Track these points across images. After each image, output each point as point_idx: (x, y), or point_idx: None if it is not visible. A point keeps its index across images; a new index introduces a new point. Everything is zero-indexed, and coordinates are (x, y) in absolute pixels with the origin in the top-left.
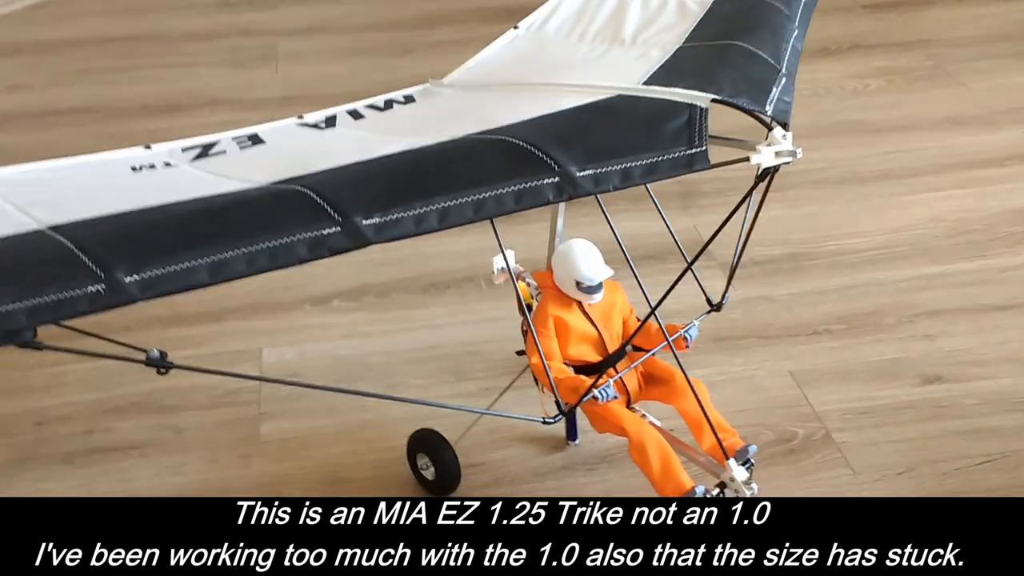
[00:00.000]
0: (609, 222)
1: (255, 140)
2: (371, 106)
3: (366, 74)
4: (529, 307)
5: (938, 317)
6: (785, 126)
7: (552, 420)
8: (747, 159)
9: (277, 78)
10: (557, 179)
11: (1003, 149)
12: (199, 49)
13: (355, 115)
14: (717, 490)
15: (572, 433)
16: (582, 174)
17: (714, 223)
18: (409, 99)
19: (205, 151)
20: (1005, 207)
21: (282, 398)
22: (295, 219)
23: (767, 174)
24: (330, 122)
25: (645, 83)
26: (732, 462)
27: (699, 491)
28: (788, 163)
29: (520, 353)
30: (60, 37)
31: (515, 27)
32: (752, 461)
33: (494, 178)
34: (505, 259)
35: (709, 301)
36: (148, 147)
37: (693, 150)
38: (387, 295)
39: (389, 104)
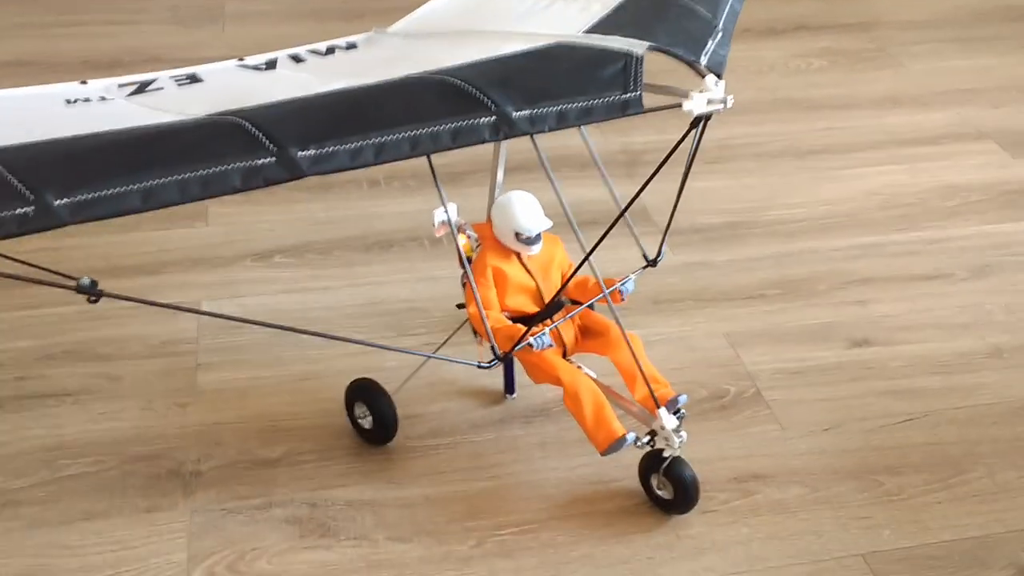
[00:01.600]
0: (552, 179)
1: (193, 79)
2: (313, 51)
3: (314, 37)
4: (469, 260)
5: (869, 285)
6: (719, 76)
7: (487, 365)
8: (679, 105)
9: (223, 38)
10: (494, 118)
11: (938, 128)
12: (143, 6)
13: (296, 59)
14: (648, 437)
15: (510, 387)
16: (518, 114)
17: (659, 190)
18: (352, 46)
19: (142, 88)
20: (937, 182)
21: (221, 349)
22: (230, 148)
23: (699, 121)
24: (271, 65)
25: (585, 32)
26: (662, 411)
27: (630, 438)
28: (719, 111)
29: (460, 306)
30: None
31: None
32: (682, 410)
33: (431, 115)
34: (446, 211)
35: (645, 256)
36: (84, 82)
37: (627, 95)
38: (330, 252)
39: (331, 50)
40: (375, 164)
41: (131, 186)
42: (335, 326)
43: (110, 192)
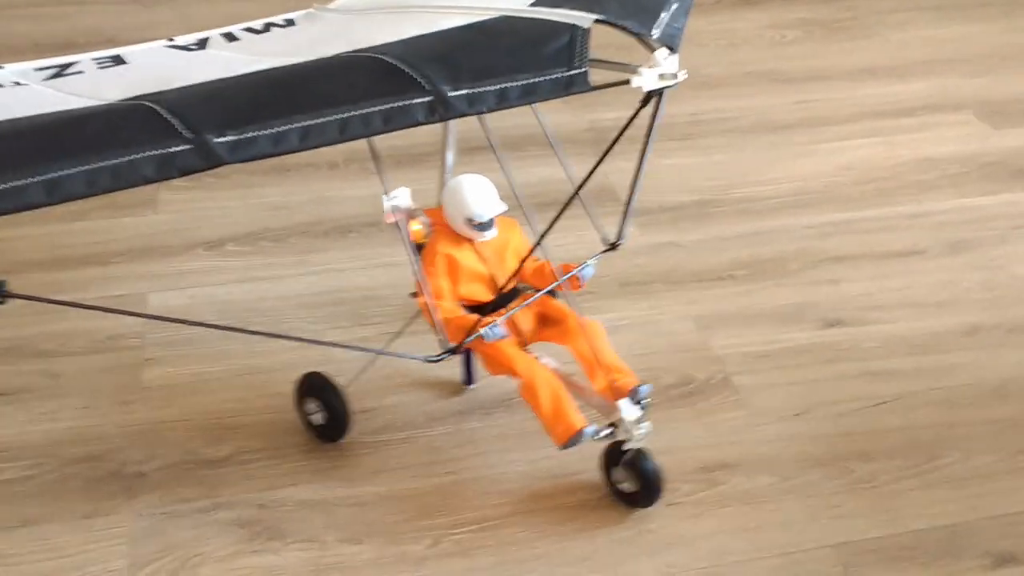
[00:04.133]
0: (499, 158)
1: (116, 60)
2: (248, 29)
3: (274, 14)
4: (421, 247)
5: (842, 263)
6: (672, 50)
7: (435, 359)
8: (627, 82)
9: (180, 17)
10: (429, 99)
11: (915, 99)
12: None
13: (229, 37)
14: (609, 430)
15: (468, 377)
16: (455, 94)
17: (625, 170)
18: (289, 23)
19: (60, 71)
20: (914, 155)
21: (168, 343)
22: (141, 136)
23: (650, 98)
24: (201, 44)
25: (531, 5)
26: (623, 402)
27: (589, 431)
28: (671, 87)
29: (414, 295)
30: None
31: None
32: (645, 401)
33: (361, 97)
34: (388, 197)
35: (604, 239)
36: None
37: (572, 72)
38: (285, 239)
39: (268, 27)
40: (300, 150)
41: (33, 178)
42: (288, 317)
43: (10, 185)
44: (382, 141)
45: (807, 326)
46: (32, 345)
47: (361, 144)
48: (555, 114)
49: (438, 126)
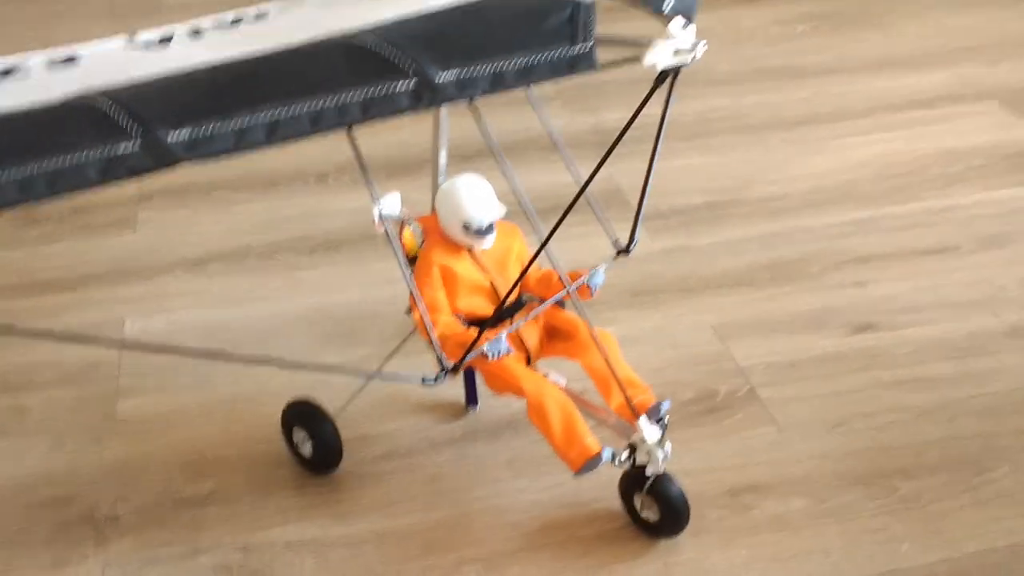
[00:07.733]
0: (496, 152)
1: (69, 60)
2: (216, 23)
3: None
4: (414, 259)
5: (868, 263)
6: (688, 20)
7: (433, 381)
8: (638, 59)
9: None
10: (413, 82)
11: (933, 90)
12: (76, 1)
13: (195, 34)
14: (627, 452)
15: (472, 398)
16: (444, 77)
17: (632, 171)
18: (261, 16)
19: (4, 74)
20: (936, 148)
21: (145, 372)
22: (81, 134)
23: (664, 78)
24: (164, 42)
25: None
26: (643, 420)
27: (606, 455)
28: (687, 65)
29: (409, 311)
30: None
31: None
32: (666, 419)
33: (337, 83)
34: (377, 203)
35: (615, 243)
36: None
37: (576, 49)
38: (272, 257)
39: (237, 21)
40: (268, 146)
41: None
42: (276, 339)
43: None
44: (373, 151)
45: (835, 332)
46: None
47: (352, 154)
48: (556, 118)
49: (429, 128)
